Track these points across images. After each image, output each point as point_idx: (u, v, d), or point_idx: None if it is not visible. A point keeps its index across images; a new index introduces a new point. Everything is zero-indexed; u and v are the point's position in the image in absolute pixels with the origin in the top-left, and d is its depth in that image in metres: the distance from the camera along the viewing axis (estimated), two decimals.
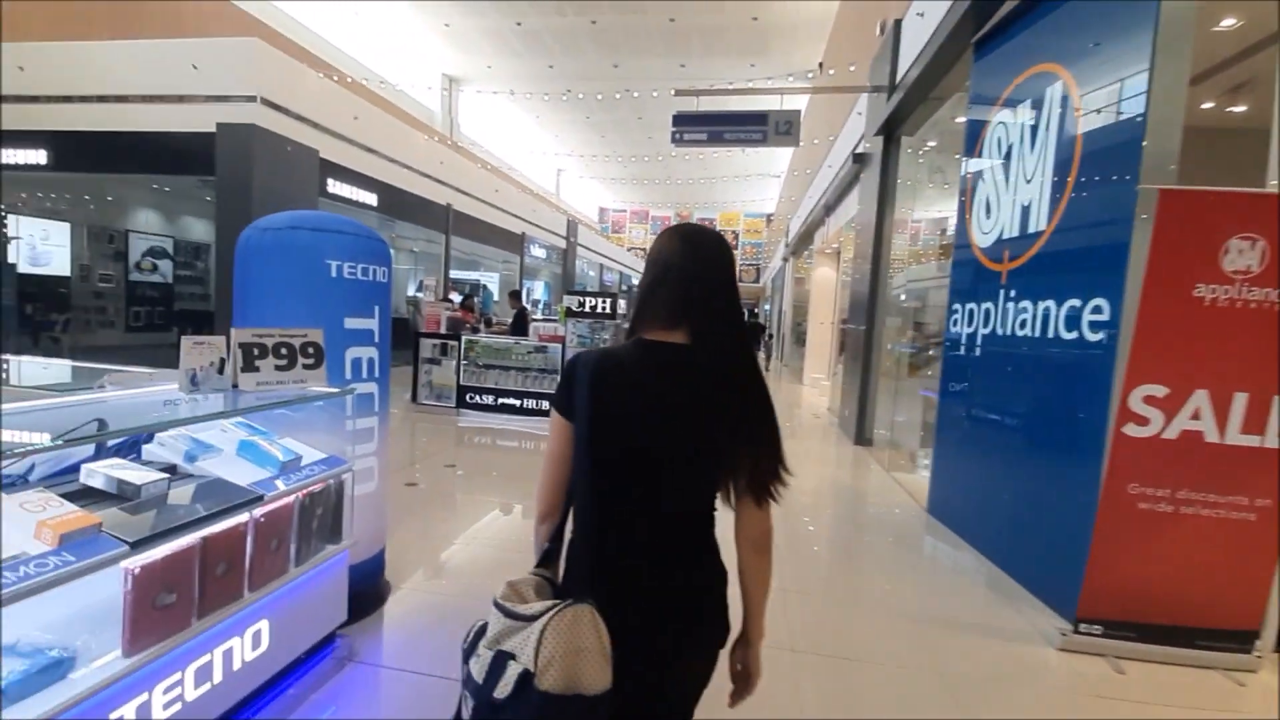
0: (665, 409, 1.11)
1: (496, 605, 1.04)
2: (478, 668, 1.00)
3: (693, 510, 1.15)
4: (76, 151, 8.43)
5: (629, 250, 34.33)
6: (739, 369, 1.14)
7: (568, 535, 1.21)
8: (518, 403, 7.83)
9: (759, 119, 7.92)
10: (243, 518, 1.84)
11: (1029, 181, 3.69)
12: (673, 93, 8.72)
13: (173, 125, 8.03)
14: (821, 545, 4.25)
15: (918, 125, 6.44)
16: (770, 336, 22.08)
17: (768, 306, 27.91)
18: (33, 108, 8.34)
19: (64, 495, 1.64)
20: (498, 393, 7.90)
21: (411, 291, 14.81)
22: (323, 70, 10.89)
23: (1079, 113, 3.34)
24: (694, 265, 1.16)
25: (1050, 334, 3.37)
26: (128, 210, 10.87)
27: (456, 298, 11.36)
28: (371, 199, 10.54)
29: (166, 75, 7.99)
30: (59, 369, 3.54)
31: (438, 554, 3.56)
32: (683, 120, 8.29)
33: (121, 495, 1.67)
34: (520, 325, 8.96)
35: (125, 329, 10.30)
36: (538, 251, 19.77)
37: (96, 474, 1.69)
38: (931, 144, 6.52)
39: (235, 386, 2.05)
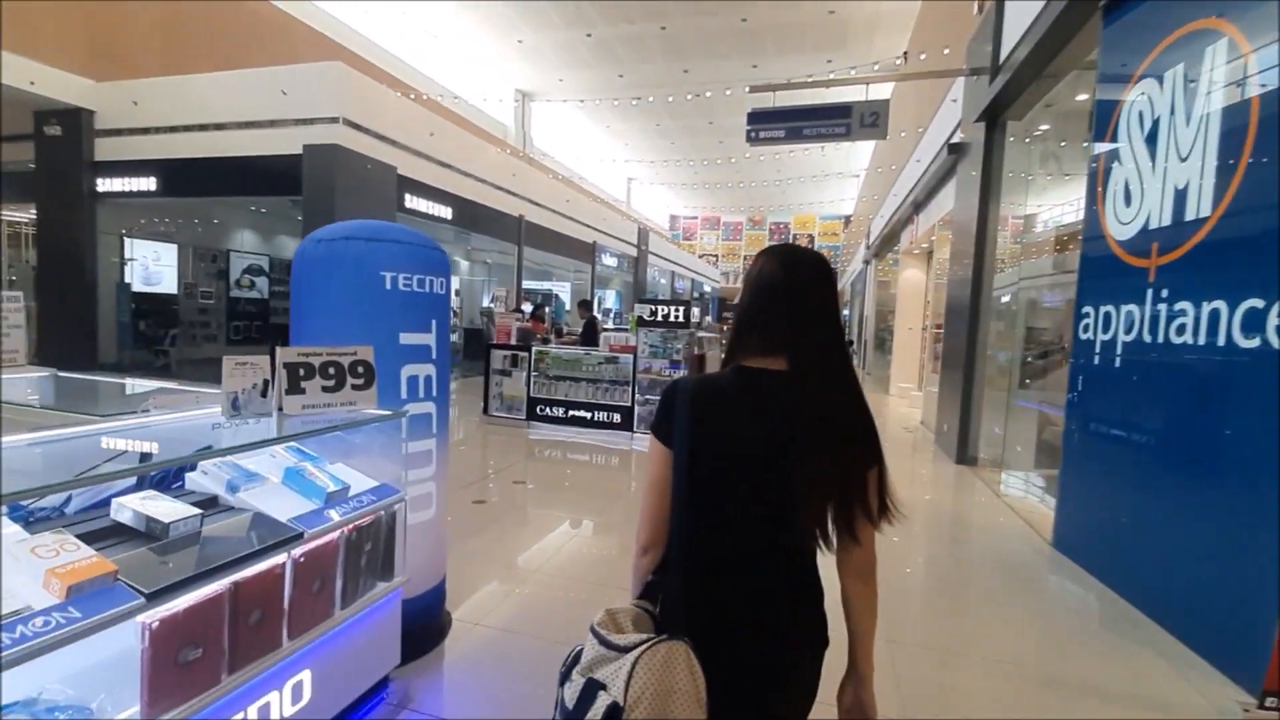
0: (763, 436, 1.08)
1: (593, 632, 1.03)
2: (570, 693, 0.99)
3: (793, 536, 1.11)
4: (182, 177, 9.05)
5: (700, 257, 33.94)
6: (839, 396, 1.09)
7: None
8: (588, 415, 7.62)
9: (842, 111, 7.36)
10: (280, 558, 1.65)
11: (1184, 160, 3.10)
12: (746, 89, 8.33)
13: (265, 149, 8.46)
14: (928, 584, 3.74)
15: (1026, 109, 5.76)
16: (850, 343, 21.09)
17: (846, 311, 26.73)
18: (145, 138, 9.02)
19: (95, 532, 1.51)
20: (568, 405, 7.73)
21: (486, 303, 15.10)
22: (401, 90, 11.23)
23: (1252, 73, 2.75)
24: (791, 289, 1.11)
25: (1220, 341, 2.78)
26: (229, 231, 11.64)
27: (527, 308, 11.38)
28: (447, 213, 10.74)
29: (259, 102, 8.44)
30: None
31: (504, 581, 3.35)
32: (758, 117, 7.82)
33: (150, 534, 1.52)
34: (590, 335, 8.78)
35: (226, 342, 10.99)
36: (609, 260, 19.75)
37: (126, 509, 1.54)
38: (1043, 128, 5.82)
39: (280, 409, 1.89)
